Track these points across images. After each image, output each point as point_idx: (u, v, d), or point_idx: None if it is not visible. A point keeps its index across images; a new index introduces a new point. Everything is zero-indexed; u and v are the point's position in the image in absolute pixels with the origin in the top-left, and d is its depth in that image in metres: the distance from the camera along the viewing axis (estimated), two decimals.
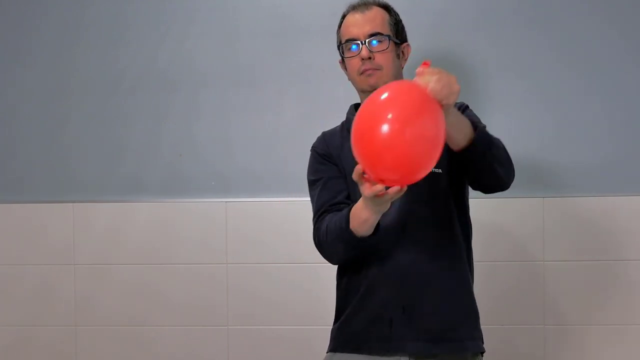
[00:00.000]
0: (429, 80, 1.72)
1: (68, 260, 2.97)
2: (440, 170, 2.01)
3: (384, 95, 1.74)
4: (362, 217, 1.89)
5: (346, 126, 2.14)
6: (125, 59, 2.98)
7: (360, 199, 1.87)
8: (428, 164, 1.74)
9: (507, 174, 1.96)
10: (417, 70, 1.76)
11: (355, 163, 1.80)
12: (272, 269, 2.91)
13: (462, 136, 1.86)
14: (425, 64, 1.76)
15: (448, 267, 2.03)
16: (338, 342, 2.09)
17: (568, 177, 2.82)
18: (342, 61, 2.18)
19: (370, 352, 2.03)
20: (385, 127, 1.67)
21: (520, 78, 2.84)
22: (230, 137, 2.95)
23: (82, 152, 3.00)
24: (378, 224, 1.92)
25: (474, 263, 2.17)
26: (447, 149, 1.98)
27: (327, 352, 2.12)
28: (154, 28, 2.98)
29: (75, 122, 3.00)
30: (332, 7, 2.91)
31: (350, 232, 1.93)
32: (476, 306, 2.10)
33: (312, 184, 2.15)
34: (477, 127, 1.87)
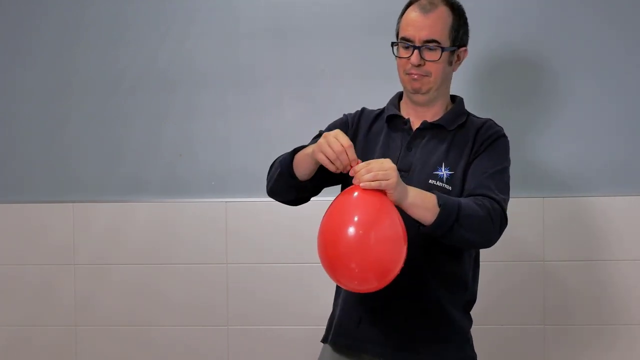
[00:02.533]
0: (360, 175, 1.76)
1: (68, 260, 2.97)
2: (450, 188, 1.98)
3: (336, 216, 1.77)
4: (307, 151, 1.93)
5: (386, 113, 2.12)
6: (125, 59, 2.98)
7: (316, 145, 1.87)
8: (398, 262, 1.77)
9: (484, 239, 1.93)
10: (350, 174, 1.80)
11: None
12: (272, 269, 2.91)
13: (427, 213, 1.83)
14: (353, 165, 1.80)
15: (431, 283, 1.99)
16: (326, 334, 2.12)
17: (568, 177, 2.83)
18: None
19: (340, 350, 2.05)
20: (347, 240, 1.71)
21: (521, 78, 2.85)
22: (230, 137, 2.95)
23: (82, 152, 3.00)
24: (316, 178, 1.96)
25: None
26: (463, 166, 1.99)
27: (321, 341, 2.15)
28: (154, 28, 2.98)
29: (75, 122, 3.01)
30: (332, 7, 2.93)
31: (290, 163, 1.98)
32: (460, 327, 2.03)
33: (318, 133, 2.14)
34: (441, 203, 1.83)
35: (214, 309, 2.93)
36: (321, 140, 1.84)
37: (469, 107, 2.20)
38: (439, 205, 1.83)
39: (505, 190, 1.99)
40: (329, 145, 1.82)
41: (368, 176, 1.76)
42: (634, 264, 2.80)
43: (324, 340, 2.12)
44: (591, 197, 2.81)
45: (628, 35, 2.82)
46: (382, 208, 1.76)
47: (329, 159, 1.82)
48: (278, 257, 2.90)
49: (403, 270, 1.85)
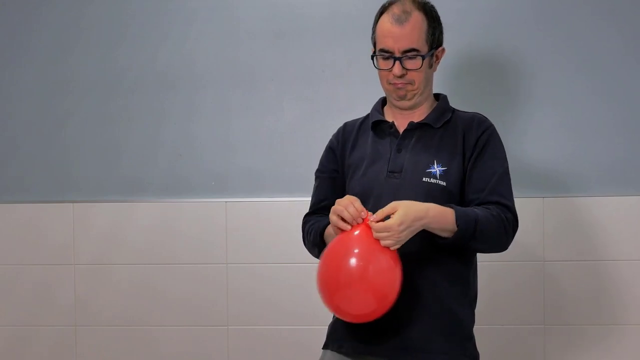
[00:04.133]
0: (378, 236, 1.86)
1: (68, 260, 2.97)
2: (444, 183, 2.01)
3: (336, 254, 1.89)
4: (329, 231, 2.03)
5: (371, 119, 2.15)
6: (125, 59, 2.98)
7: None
8: (395, 286, 1.87)
9: (498, 248, 2.03)
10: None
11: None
12: (272, 269, 2.91)
13: (444, 232, 1.94)
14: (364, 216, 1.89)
15: (437, 281, 2.00)
16: (329, 340, 2.12)
17: (568, 177, 2.83)
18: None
19: (347, 354, 2.05)
20: (348, 273, 1.85)
21: (522, 78, 2.85)
22: (230, 137, 2.95)
23: (82, 152, 3.00)
24: None
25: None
26: (459, 162, 2.02)
27: (322, 349, 2.14)
28: (154, 28, 2.98)
29: (75, 122, 3.00)
30: (331, 7, 2.93)
31: (323, 244, 2.06)
32: (465, 325, 2.05)
33: (315, 176, 2.23)
34: (459, 223, 1.91)
35: (214, 309, 2.93)
36: (333, 217, 1.92)
37: (469, 108, 2.21)
38: (457, 225, 1.91)
39: (511, 190, 2.06)
40: (344, 219, 1.90)
41: (384, 242, 1.86)
42: (634, 264, 2.80)
43: (326, 347, 2.12)
44: (591, 197, 2.81)
45: (628, 34, 2.82)
46: (376, 246, 1.86)
47: (348, 222, 1.90)
48: (278, 257, 2.90)
49: (408, 270, 1.92)
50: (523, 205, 2.75)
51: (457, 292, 2.03)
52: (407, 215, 1.85)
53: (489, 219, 1.95)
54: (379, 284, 1.85)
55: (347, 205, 1.89)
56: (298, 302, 2.89)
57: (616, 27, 2.82)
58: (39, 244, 2.99)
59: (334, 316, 2.12)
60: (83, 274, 2.97)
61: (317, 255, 2.10)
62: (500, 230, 1.97)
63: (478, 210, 1.96)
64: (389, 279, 1.86)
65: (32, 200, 3.00)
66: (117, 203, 2.97)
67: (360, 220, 1.88)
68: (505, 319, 2.83)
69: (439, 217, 1.91)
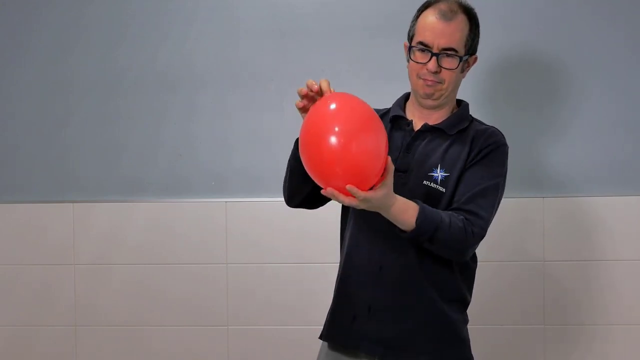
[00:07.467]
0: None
1: (68, 260, 2.97)
2: (443, 190, 1.99)
3: (331, 108, 1.85)
4: None
5: (391, 114, 2.13)
6: (125, 59, 2.98)
7: None
8: (372, 174, 1.77)
9: (455, 255, 1.96)
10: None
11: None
12: (272, 269, 2.91)
13: (403, 227, 1.89)
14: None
15: (430, 282, 1.99)
16: (323, 331, 2.13)
17: (568, 177, 2.83)
18: (408, 51, 2.08)
19: (334, 347, 2.06)
20: (332, 141, 1.74)
21: (521, 79, 2.85)
22: (230, 137, 2.95)
23: (82, 152, 3.00)
24: None
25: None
26: (459, 169, 1.99)
27: (319, 338, 2.15)
28: (154, 28, 2.98)
29: (75, 122, 3.01)
30: (332, 6, 2.93)
31: (296, 151, 1.98)
32: (456, 327, 2.03)
33: None
34: (418, 222, 1.86)
35: (214, 309, 2.93)
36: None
37: (470, 107, 2.21)
38: (416, 224, 1.87)
39: (493, 206, 2.00)
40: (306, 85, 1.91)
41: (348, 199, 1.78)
42: (634, 264, 2.80)
43: (321, 337, 2.13)
44: (591, 197, 2.81)
45: (628, 34, 2.82)
46: (373, 127, 1.80)
47: (310, 89, 1.92)
48: (278, 257, 2.90)
49: (397, 268, 1.93)
50: (523, 205, 2.77)
51: (445, 292, 2.01)
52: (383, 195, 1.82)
53: (452, 227, 1.89)
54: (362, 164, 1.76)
55: (310, 84, 1.92)
56: (298, 302, 2.89)
57: (617, 27, 2.82)
58: (39, 244, 2.99)
59: (331, 308, 2.12)
60: (83, 274, 2.97)
61: (288, 181, 2.07)
62: (462, 240, 1.91)
63: (444, 216, 1.90)
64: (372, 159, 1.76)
65: (32, 200, 3.00)
66: (117, 203, 2.97)
67: (314, 88, 1.92)
68: (505, 319, 2.83)
69: (401, 209, 1.86)
